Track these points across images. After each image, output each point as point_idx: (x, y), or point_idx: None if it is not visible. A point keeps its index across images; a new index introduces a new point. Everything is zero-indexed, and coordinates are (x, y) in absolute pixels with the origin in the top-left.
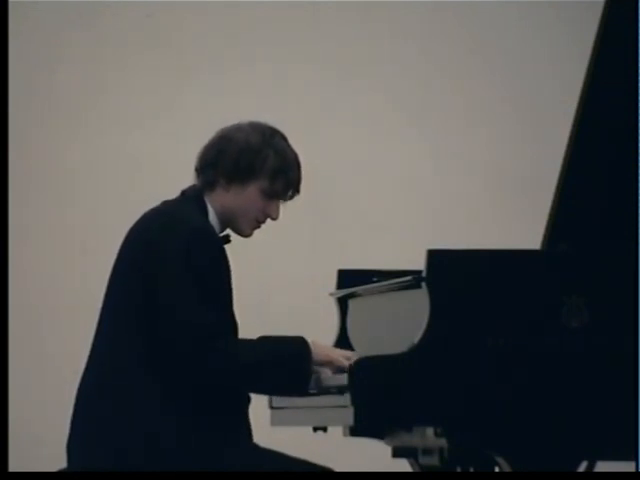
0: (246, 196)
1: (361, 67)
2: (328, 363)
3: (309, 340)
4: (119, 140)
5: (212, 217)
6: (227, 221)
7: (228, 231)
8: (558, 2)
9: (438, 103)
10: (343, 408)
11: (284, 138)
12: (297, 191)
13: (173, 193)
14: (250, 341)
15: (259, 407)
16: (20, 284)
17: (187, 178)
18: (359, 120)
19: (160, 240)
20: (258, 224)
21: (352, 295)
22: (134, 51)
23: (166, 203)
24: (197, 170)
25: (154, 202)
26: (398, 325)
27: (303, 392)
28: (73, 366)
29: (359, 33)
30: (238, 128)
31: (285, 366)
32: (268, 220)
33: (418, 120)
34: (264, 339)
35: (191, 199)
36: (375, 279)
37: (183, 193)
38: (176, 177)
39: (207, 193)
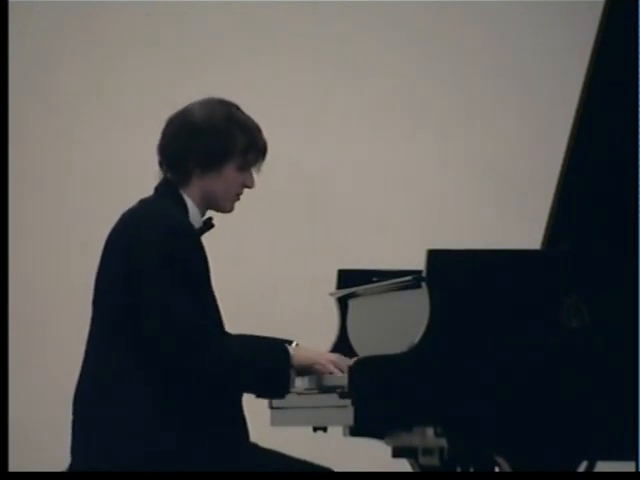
0: (224, 177)
1: (361, 67)
2: (310, 367)
3: (293, 343)
4: (119, 140)
5: (191, 207)
6: (208, 205)
7: (209, 213)
8: (558, 2)
9: (438, 103)
10: (343, 408)
11: (238, 108)
12: (265, 156)
13: None
14: (234, 340)
15: (259, 407)
16: (20, 284)
17: None
18: (359, 120)
19: (137, 240)
20: (238, 197)
21: (352, 295)
22: (134, 51)
23: (142, 202)
24: (165, 165)
25: None
26: (398, 325)
27: (283, 395)
28: (73, 366)
29: (359, 33)
30: (191, 112)
31: (265, 369)
32: (269, 222)
33: (418, 120)
34: (247, 338)
35: (166, 194)
36: (375, 279)
37: (157, 190)
38: None
39: (183, 186)
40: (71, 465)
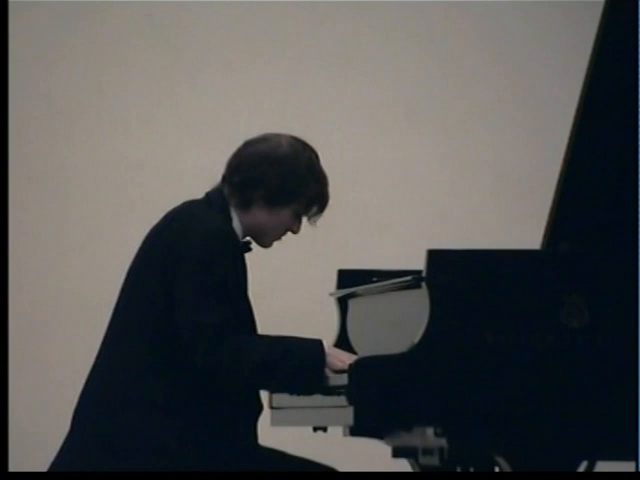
0: (280, 218)
1: (361, 67)
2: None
3: (326, 344)
4: (119, 140)
5: (236, 226)
6: (251, 234)
7: (248, 239)
8: (558, 2)
9: (439, 103)
10: (343, 408)
11: (317, 157)
12: (324, 210)
13: (172, 193)
14: (263, 339)
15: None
16: (20, 284)
17: (187, 178)
18: (359, 120)
19: (182, 240)
20: (280, 238)
21: (352, 295)
22: (134, 51)
23: (190, 204)
24: (232, 184)
25: (153, 202)
26: (398, 325)
27: (312, 393)
28: (73, 366)
29: (359, 33)
30: (277, 146)
31: (296, 367)
32: None
33: (418, 120)
34: (281, 339)
35: (215, 204)
36: (375, 279)
37: (208, 196)
38: (176, 177)
39: (240, 209)
40: (66, 458)
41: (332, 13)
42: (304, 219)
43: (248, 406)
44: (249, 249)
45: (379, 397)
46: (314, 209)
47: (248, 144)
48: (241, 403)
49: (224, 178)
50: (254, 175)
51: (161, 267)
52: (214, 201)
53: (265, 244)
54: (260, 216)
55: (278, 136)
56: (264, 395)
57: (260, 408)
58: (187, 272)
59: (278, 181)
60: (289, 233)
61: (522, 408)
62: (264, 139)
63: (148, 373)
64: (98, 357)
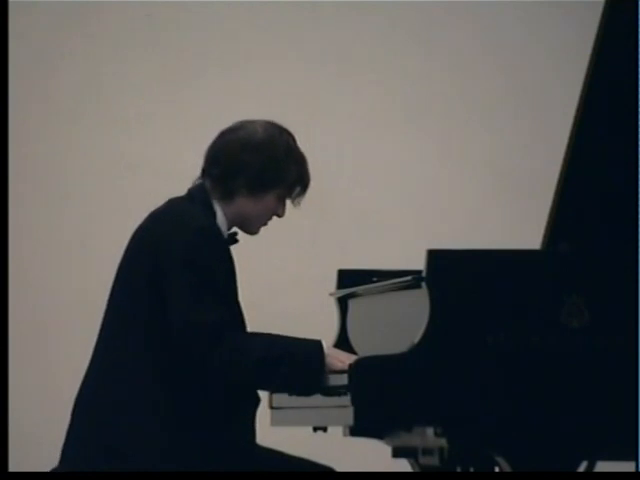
0: (265, 203)
1: (361, 66)
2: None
3: (325, 345)
4: (118, 140)
5: (220, 219)
6: (237, 223)
7: (234, 229)
8: (558, 2)
9: (439, 103)
10: (343, 408)
11: (294, 139)
12: (306, 191)
13: (172, 193)
14: (262, 338)
15: (259, 407)
16: (20, 284)
17: (186, 177)
18: (359, 119)
19: (166, 240)
20: (266, 223)
21: (352, 295)
22: (134, 51)
23: (173, 202)
24: (212, 175)
25: (153, 201)
26: (398, 325)
27: (311, 394)
28: (73, 365)
29: (359, 33)
30: (253, 133)
31: (295, 367)
32: (268, 222)
33: (418, 120)
34: (280, 339)
35: (198, 201)
36: (375, 279)
37: (190, 192)
38: (176, 177)
39: (223, 200)
40: (62, 460)
41: (332, 13)
42: (288, 201)
43: (245, 400)
44: (235, 241)
45: (379, 397)
46: (297, 190)
47: (223, 134)
48: (238, 397)
49: (204, 171)
50: (233, 164)
51: (149, 267)
52: (196, 197)
53: (252, 231)
54: (244, 205)
55: (253, 122)
56: (264, 395)
57: (257, 400)
58: (176, 273)
59: (258, 168)
60: (274, 217)
61: (522, 408)
62: (239, 127)
63: (143, 372)
64: (93, 357)
